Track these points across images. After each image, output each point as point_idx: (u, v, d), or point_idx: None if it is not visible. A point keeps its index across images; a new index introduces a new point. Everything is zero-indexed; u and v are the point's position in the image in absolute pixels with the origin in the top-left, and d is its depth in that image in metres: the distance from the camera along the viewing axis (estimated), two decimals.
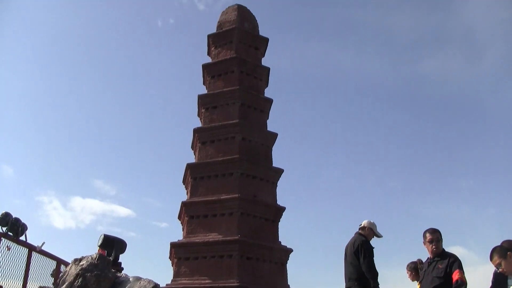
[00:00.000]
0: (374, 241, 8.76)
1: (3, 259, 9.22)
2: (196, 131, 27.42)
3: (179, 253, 24.18)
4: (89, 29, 74.16)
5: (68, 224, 73.39)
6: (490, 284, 6.70)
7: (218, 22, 31.47)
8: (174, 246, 24.42)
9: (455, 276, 6.64)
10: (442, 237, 7.18)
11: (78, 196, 74.85)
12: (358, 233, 8.76)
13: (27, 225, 10.04)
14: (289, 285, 24.36)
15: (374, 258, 8.37)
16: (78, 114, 73.36)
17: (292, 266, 74.34)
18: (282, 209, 25.79)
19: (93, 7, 74.05)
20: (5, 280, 9.12)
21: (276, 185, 26.78)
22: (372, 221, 8.77)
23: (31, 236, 10.18)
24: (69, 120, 73.80)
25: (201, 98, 28.46)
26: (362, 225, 8.82)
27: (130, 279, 8.71)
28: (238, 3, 31.68)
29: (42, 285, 10.43)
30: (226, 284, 22.23)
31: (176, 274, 23.82)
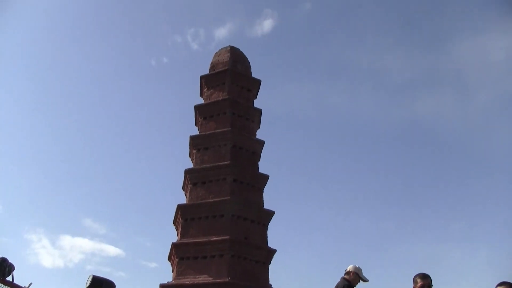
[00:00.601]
0: (363, 286, 8.71)
1: None
2: (187, 172, 27.42)
3: None
4: (82, 67, 74.60)
5: (56, 263, 72.55)
6: None
7: (211, 63, 31.77)
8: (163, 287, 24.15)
9: None
10: (433, 282, 7.11)
11: (67, 234, 74.20)
12: (343, 278, 8.73)
13: (15, 265, 9.92)
14: None
15: None
16: (69, 152, 73.30)
17: None
18: (273, 251, 25.64)
19: (86, 45, 74.65)
20: None
21: (267, 227, 26.66)
22: (357, 266, 8.74)
23: (19, 276, 10.06)
24: (59, 157, 73.68)
25: (192, 139, 28.54)
26: (347, 269, 8.79)
27: None
28: (231, 44, 32.08)
29: None
30: None
31: None
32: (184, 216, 26.13)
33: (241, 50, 32.03)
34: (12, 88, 69.38)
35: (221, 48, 32.08)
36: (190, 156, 29.53)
